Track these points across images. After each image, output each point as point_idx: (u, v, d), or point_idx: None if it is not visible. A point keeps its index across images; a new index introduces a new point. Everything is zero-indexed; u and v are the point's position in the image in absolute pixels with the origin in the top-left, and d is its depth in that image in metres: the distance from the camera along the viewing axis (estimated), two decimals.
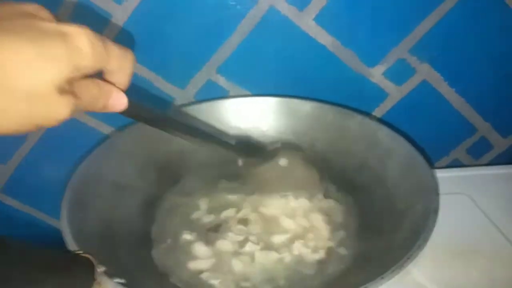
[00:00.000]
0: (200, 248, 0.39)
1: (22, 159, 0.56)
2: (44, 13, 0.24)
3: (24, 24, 0.22)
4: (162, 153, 0.48)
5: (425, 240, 0.32)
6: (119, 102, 0.27)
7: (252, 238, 0.39)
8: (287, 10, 0.50)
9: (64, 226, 0.32)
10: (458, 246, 0.44)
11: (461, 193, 0.50)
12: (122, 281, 0.29)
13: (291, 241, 0.39)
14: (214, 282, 0.36)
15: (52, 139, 0.55)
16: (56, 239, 0.33)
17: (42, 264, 0.24)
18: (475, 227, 0.46)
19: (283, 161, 0.41)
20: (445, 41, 0.53)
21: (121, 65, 0.26)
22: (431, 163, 0.62)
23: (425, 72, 0.55)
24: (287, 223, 0.41)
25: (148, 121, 0.31)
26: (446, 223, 0.44)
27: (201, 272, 0.37)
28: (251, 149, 0.40)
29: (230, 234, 0.40)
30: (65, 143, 0.55)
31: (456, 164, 0.63)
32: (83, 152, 0.44)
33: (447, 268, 0.42)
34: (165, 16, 0.49)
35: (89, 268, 0.28)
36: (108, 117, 0.55)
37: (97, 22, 0.49)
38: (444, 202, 0.41)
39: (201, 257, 0.38)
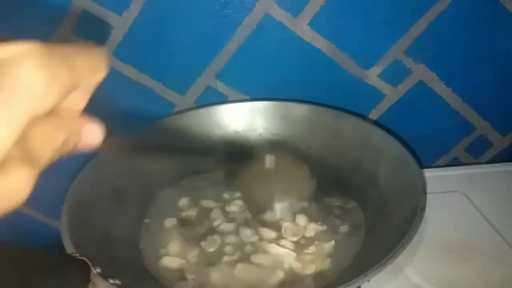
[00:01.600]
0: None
1: None
2: None
3: None
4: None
5: (410, 238, 0.32)
6: (94, 137, 0.19)
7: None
8: (282, 16, 0.51)
9: (63, 229, 0.34)
10: (452, 243, 0.44)
11: (456, 191, 0.51)
12: (118, 282, 0.30)
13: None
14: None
15: None
16: (57, 242, 0.35)
17: (38, 266, 0.26)
18: (470, 225, 0.47)
19: (268, 162, 0.41)
20: (440, 41, 0.54)
21: (92, 77, 0.17)
22: (430, 162, 0.62)
23: (420, 72, 0.56)
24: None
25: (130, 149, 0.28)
26: (440, 221, 0.45)
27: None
28: (235, 154, 0.40)
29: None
30: None
31: (456, 162, 0.63)
32: (85, 158, 0.46)
33: (441, 266, 0.42)
34: (164, 25, 0.51)
35: (84, 270, 0.29)
36: (112, 124, 0.57)
37: (99, 34, 0.51)
38: (439, 200, 0.42)
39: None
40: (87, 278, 0.29)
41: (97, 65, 0.18)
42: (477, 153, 0.63)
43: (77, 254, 0.31)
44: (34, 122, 0.15)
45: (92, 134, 0.19)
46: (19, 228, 0.61)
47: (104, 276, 0.30)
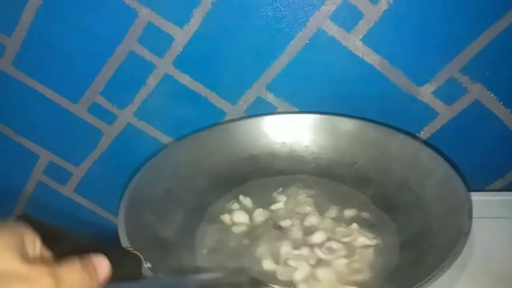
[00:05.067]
0: None
1: (92, 164, 0.64)
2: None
3: None
4: (212, 163, 0.52)
5: (451, 262, 0.32)
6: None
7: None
8: (334, 31, 0.52)
9: (120, 225, 0.37)
10: (499, 271, 0.42)
11: (506, 218, 0.48)
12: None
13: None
14: None
15: (118, 147, 0.62)
16: (115, 235, 0.38)
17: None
18: None
19: None
20: (499, 61, 0.52)
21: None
22: (484, 185, 0.60)
23: (477, 91, 0.54)
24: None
25: None
26: (487, 247, 0.44)
27: None
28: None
29: None
30: (129, 151, 0.62)
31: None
32: (143, 160, 0.50)
33: None
34: (221, 38, 0.54)
35: (137, 263, 0.32)
36: (167, 128, 0.61)
37: (161, 45, 0.54)
38: (489, 225, 0.41)
39: None
40: (139, 271, 0.31)
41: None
42: None
43: (131, 248, 0.33)
44: None
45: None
46: (80, 220, 0.67)
47: (154, 270, 0.32)
